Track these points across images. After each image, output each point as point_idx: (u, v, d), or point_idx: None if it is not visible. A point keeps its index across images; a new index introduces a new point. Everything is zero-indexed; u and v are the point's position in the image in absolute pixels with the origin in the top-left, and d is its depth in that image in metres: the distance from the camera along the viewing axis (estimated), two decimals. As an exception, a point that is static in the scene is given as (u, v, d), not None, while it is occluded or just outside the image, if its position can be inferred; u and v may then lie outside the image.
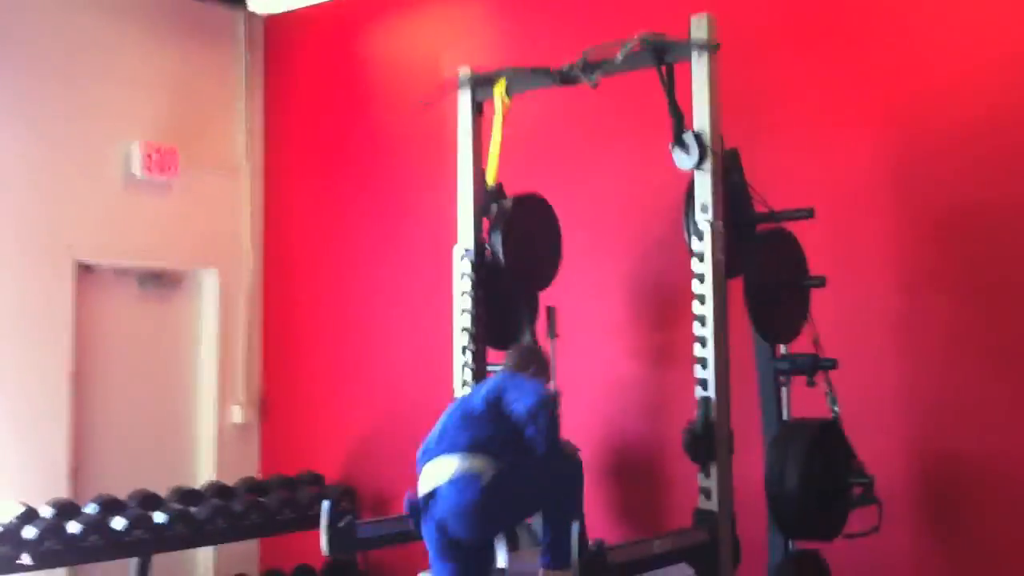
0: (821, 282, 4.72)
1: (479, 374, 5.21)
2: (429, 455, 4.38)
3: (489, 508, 4.23)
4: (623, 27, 5.55)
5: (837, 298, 4.86)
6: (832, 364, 4.65)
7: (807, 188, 5.12)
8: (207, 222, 7.44)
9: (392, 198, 7.08)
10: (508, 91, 5.15)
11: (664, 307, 5.72)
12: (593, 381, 5.91)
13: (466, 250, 5.26)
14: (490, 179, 5.19)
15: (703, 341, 4.48)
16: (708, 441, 4.39)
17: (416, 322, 6.87)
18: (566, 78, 4.99)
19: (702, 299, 4.48)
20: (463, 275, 5.24)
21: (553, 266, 5.46)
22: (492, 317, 5.29)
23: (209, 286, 7.53)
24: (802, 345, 4.72)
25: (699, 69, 4.55)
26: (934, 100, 5.01)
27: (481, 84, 5.28)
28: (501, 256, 5.20)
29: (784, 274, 4.76)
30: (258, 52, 7.84)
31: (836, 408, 4.65)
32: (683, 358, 5.67)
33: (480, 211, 5.30)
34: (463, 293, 5.23)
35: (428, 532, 4.37)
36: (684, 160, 4.59)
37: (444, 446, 4.33)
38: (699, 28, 4.56)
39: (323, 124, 7.54)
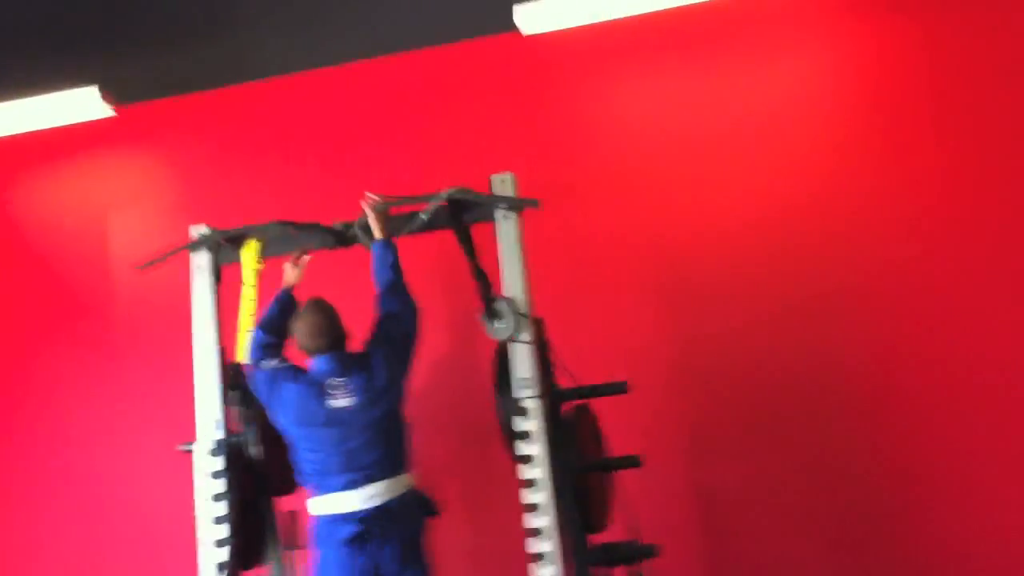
0: (636, 462, 4.33)
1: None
2: (337, 483, 3.93)
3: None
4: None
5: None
6: (651, 552, 4.25)
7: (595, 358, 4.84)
8: None
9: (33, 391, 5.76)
10: (262, 253, 4.37)
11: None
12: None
13: (216, 443, 4.25)
14: (241, 356, 4.30)
15: (543, 533, 3.87)
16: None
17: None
18: (342, 238, 4.32)
19: (532, 485, 3.92)
20: (213, 475, 4.22)
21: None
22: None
23: None
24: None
25: (507, 229, 4.14)
26: (706, 268, 4.99)
27: (225, 245, 4.43)
28: (255, 452, 4.30)
29: (592, 455, 4.36)
30: None
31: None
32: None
33: (224, 397, 4.37)
34: (215, 497, 4.19)
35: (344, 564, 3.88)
36: (500, 330, 4.08)
37: (369, 472, 3.93)
38: (503, 187, 4.19)
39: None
